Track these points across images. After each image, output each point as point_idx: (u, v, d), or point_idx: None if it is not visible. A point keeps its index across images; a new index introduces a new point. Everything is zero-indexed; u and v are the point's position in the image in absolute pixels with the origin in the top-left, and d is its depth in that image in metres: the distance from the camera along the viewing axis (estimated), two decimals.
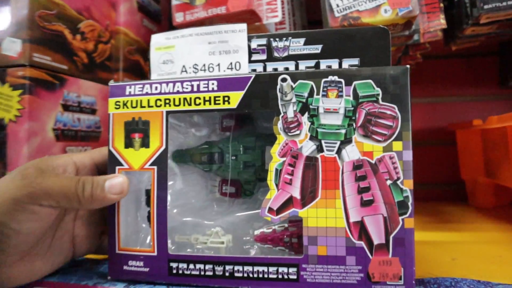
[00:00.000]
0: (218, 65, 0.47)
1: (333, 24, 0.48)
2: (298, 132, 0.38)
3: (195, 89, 0.40)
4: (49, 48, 0.53)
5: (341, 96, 0.37)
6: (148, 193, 0.44)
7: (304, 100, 0.38)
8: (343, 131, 0.37)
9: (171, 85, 0.41)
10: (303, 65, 0.45)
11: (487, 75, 0.87)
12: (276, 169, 0.38)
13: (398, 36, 0.50)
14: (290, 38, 0.46)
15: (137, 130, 0.41)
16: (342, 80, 0.37)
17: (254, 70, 0.46)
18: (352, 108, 0.37)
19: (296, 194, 0.38)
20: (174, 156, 0.45)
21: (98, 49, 0.63)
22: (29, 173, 0.36)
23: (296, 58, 0.46)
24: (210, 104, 0.39)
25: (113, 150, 0.41)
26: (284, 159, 0.38)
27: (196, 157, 0.43)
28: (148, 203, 0.44)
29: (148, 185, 0.44)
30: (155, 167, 0.40)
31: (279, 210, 0.38)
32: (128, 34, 0.68)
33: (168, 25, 0.66)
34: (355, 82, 0.37)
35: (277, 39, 0.46)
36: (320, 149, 0.37)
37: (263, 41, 0.46)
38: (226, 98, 0.39)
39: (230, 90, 0.39)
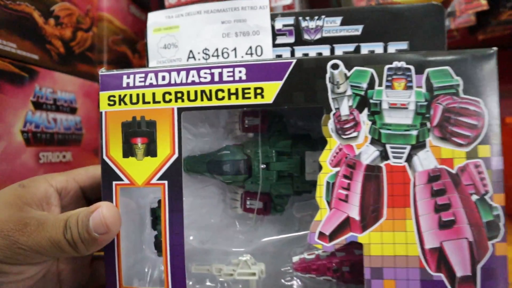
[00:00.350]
0: (234, 49, 0.37)
1: (357, 3, 0.39)
2: (355, 134, 0.29)
3: (216, 78, 0.30)
4: (14, 32, 0.42)
5: (411, 87, 0.29)
6: (154, 212, 0.34)
7: (362, 93, 0.29)
8: (414, 132, 0.29)
9: (183, 73, 0.31)
10: (339, 49, 0.37)
11: None
12: (328, 183, 0.29)
13: None
14: (323, 16, 0.37)
15: (139, 133, 0.31)
16: (412, 67, 0.29)
17: (279, 56, 0.37)
18: (426, 103, 0.29)
19: (355, 214, 0.29)
20: (184, 164, 0.35)
21: (77, 37, 0.51)
22: (9, 229, 0.27)
23: (331, 41, 0.37)
24: (237, 98, 0.30)
25: (108, 160, 0.31)
26: (337, 169, 0.29)
27: (215, 166, 0.34)
28: (154, 225, 0.34)
29: (153, 202, 0.35)
30: (166, 182, 0.31)
31: (333, 236, 0.29)
32: (113, 21, 0.56)
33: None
34: (428, 70, 0.29)
35: (307, 18, 0.37)
36: (384, 156, 0.29)
37: (290, 20, 0.37)
38: (258, 91, 0.30)
39: (264, 80, 0.30)
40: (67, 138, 0.48)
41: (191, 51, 0.38)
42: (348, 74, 0.29)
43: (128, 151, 0.31)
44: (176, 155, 0.31)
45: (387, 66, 0.29)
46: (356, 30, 0.37)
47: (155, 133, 0.31)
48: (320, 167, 0.30)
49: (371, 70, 0.29)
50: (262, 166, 0.33)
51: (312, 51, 0.37)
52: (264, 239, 0.34)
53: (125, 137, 0.31)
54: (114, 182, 0.31)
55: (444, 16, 0.36)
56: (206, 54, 0.38)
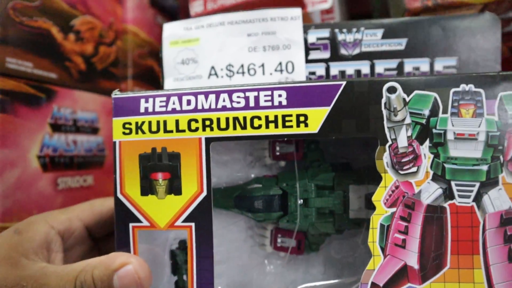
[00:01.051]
0: (262, 65, 0.33)
1: (411, 4, 0.35)
2: (414, 169, 0.25)
3: (251, 103, 0.26)
4: (31, 51, 0.37)
5: (481, 114, 0.25)
6: (174, 256, 0.30)
7: (423, 121, 0.25)
8: (485, 167, 0.25)
9: (212, 97, 0.26)
10: (381, 66, 0.33)
11: None
12: (382, 225, 0.25)
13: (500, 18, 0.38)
14: (362, 29, 0.33)
15: (160, 167, 0.27)
16: (481, 91, 0.25)
17: (312, 73, 0.33)
18: (498, 133, 0.25)
19: (413, 262, 0.25)
20: None
21: (99, 52, 0.46)
22: None
23: (372, 56, 0.33)
24: (276, 127, 0.26)
25: (123, 199, 0.27)
26: (393, 209, 0.25)
27: (245, 202, 0.30)
28: (174, 270, 0.30)
29: (173, 243, 0.30)
30: (193, 224, 0.26)
31: (388, 286, 0.25)
32: (138, 34, 0.51)
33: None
34: (501, 94, 0.25)
35: (344, 30, 0.33)
36: (448, 194, 0.25)
37: (325, 32, 0.33)
38: (301, 118, 0.26)
39: (308, 106, 0.26)
40: (88, 160, 0.43)
41: (213, 67, 0.34)
42: (407, 99, 0.25)
43: (148, 188, 0.27)
44: (204, 193, 0.26)
45: (453, 90, 0.25)
46: (400, 44, 0.33)
47: (179, 167, 0.26)
48: (368, 204, 0.26)
49: (434, 94, 0.25)
50: (300, 201, 0.29)
51: (350, 68, 0.33)
52: (302, 287, 0.30)
53: (143, 171, 0.27)
54: (130, 224, 0.27)
55: (499, 28, 0.32)
56: (230, 70, 0.33)
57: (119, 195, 0.27)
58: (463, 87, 0.25)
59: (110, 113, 0.47)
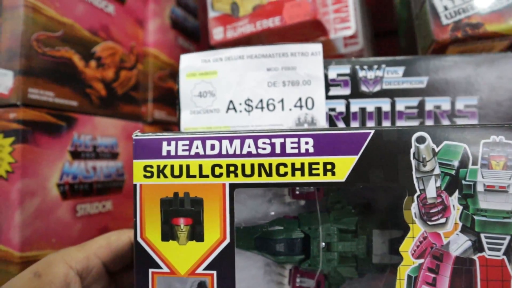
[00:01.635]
0: (281, 101, 0.33)
1: (439, 35, 0.35)
2: (443, 220, 0.25)
3: (277, 150, 0.26)
4: (52, 80, 0.37)
5: None
6: None
7: (453, 172, 0.25)
8: None
9: (237, 142, 0.26)
10: (402, 103, 0.33)
11: None
12: (409, 277, 0.25)
13: None
14: (383, 66, 0.32)
15: (182, 213, 0.26)
16: None
17: (332, 110, 0.33)
18: None
19: None
20: None
21: (120, 77, 0.45)
22: None
23: (393, 94, 0.33)
24: (302, 175, 0.25)
25: (143, 243, 0.26)
26: (421, 261, 0.25)
27: (266, 244, 0.29)
28: None
29: (193, 285, 0.30)
30: (215, 273, 0.26)
31: None
32: (159, 56, 0.51)
33: (208, 44, 0.50)
34: None
35: (365, 67, 0.32)
36: (478, 247, 0.24)
37: (346, 69, 0.33)
38: (328, 166, 0.25)
39: (336, 154, 0.25)
40: (107, 186, 0.43)
41: (231, 101, 0.33)
42: (437, 149, 0.25)
43: (168, 234, 0.26)
44: (227, 241, 0.26)
45: (483, 141, 0.25)
46: (421, 82, 0.33)
47: (202, 213, 0.26)
48: (391, 250, 0.25)
49: (464, 145, 0.25)
50: (322, 245, 0.29)
51: (370, 105, 0.33)
52: None
53: (164, 216, 0.26)
54: (150, 270, 0.26)
55: None
56: (248, 105, 0.33)
57: (139, 239, 0.27)
58: (493, 138, 0.25)
59: (129, 137, 0.47)
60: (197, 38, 0.61)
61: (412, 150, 0.25)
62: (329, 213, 0.29)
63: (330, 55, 0.43)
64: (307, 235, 0.29)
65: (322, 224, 0.29)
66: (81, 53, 0.40)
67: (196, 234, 0.26)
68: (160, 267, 0.26)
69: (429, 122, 0.33)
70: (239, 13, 0.39)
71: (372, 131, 0.25)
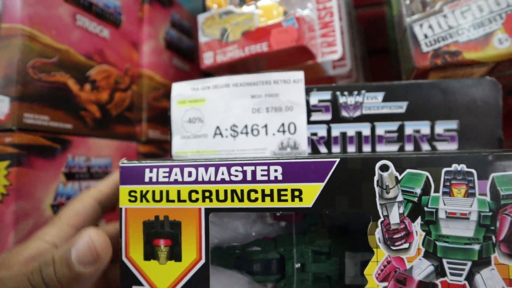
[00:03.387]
0: (265, 126, 0.36)
1: (420, 63, 0.37)
2: (406, 245, 0.27)
3: (249, 177, 0.29)
4: (47, 105, 0.41)
5: (473, 194, 0.27)
6: None
7: (415, 199, 0.27)
8: (477, 247, 0.27)
9: (212, 170, 0.30)
10: (382, 128, 0.35)
11: None
12: None
13: (510, 74, 0.40)
14: (363, 92, 0.35)
15: (162, 234, 0.30)
16: (474, 171, 0.27)
17: (314, 134, 0.36)
18: (490, 214, 0.26)
19: None
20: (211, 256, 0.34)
21: (114, 98, 0.50)
22: None
23: (372, 119, 0.35)
24: (272, 200, 0.28)
25: (128, 262, 0.30)
26: (385, 284, 0.27)
27: (245, 264, 0.33)
28: None
29: None
30: None
31: None
32: (154, 77, 0.55)
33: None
34: (493, 175, 0.27)
35: (345, 93, 0.35)
36: (440, 272, 0.27)
37: (327, 95, 0.36)
38: (296, 193, 0.28)
39: (303, 181, 0.28)
40: None
41: (218, 127, 0.37)
42: (400, 177, 0.27)
43: (150, 254, 0.30)
44: (203, 261, 0.29)
45: (444, 170, 0.27)
46: (400, 107, 0.35)
47: (180, 235, 0.30)
48: (363, 271, 0.28)
49: (426, 173, 0.27)
50: (297, 266, 0.32)
51: (351, 129, 0.36)
52: None
53: (147, 238, 0.30)
54: (133, 287, 0.30)
55: (500, 93, 0.34)
56: (234, 131, 0.36)
57: (124, 258, 0.30)
58: (455, 166, 0.27)
59: (123, 157, 0.51)
60: (191, 57, 0.66)
61: (376, 178, 0.28)
62: (305, 235, 0.32)
63: (319, 77, 0.46)
64: (282, 256, 0.32)
65: (298, 246, 0.32)
66: (76, 77, 0.45)
67: (175, 255, 0.30)
68: (142, 285, 0.30)
69: (409, 146, 0.35)
70: (229, 39, 0.42)
71: (338, 160, 0.28)
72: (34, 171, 0.40)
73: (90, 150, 0.46)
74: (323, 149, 0.36)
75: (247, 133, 0.36)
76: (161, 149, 0.58)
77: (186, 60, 0.65)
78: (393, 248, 0.27)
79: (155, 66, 0.56)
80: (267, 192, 0.29)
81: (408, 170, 0.27)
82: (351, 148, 0.36)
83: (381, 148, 0.35)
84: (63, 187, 0.43)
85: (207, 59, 0.44)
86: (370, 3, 0.69)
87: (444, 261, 0.27)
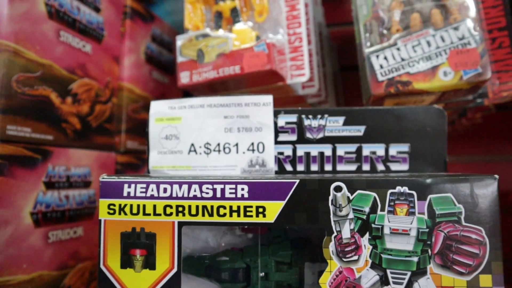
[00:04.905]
0: (236, 145, 0.40)
1: (375, 90, 0.42)
2: (355, 257, 0.31)
3: (218, 194, 0.33)
4: (30, 117, 0.44)
5: (413, 213, 0.31)
6: None
7: (364, 217, 0.32)
8: (415, 259, 0.31)
9: (185, 187, 0.33)
10: (342, 149, 0.39)
11: None
12: None
13: (457, 101, 0.45)
14: (326, 116, 0.39)
15: (138, 245, 0.33)
16: (414, 193, 0.31)
17: (281, 153, 0.40)
18: (427, 230, 0.31)
19: None
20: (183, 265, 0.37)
21: (94, 110, 0.53)
22: None
23: (334, 140, 0.40)
24: (238, 216, 0.32)
25: (105, 270, 0.33)
26: None
27: (214, 272, 0.36)
28: None
29: None
30: None
31: None
32: (133, 90, 0.58)
33: None
34: (430, 196, 0.31)
35: (310, 116, 0.39)
36: (384, 281, 0.31)
37: (293, 118, 0.40)
38: (260, 209, 0.32)
39: (267, 199, 0.32)
40: (79, 213, 0.50)
41: (192, 144, 0.40)
42: (351, 197, 0.32)
43: (127, 262, 0.33)
44: (175, 270, 0.33)
45: (390, 191, 0.31)
46: (359, 130, 0.39)
47: (155, 246, 0.33)
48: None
49: (374, 194, 0.32)
50: (261, 274, 0.35)
51: (314, 150, 0.40)
52: None
53: (124, 247, 0.33)
54: None
55: (446, 120, 0.39)
56: (207, 148, 0.40)
57: (102, 266, 0.33)
58: (398, 189, 0.31)
59: (102, 167, 0.54)
60: (171, 70, 0.69)
61: (331, 197, 0.32)
62: (269, 247, 0.36)
63: (290, 96, 0.50)
64: (248, 266, 0.36)
65: (262, 257, 0.36)
66: (58, 90, 0.47)
67: (149, 263, 0.33)
68: None
69: (366, 166, 0.40)
70: (204, 60, 0.46)
71: (297, 181, 0.32)
72: (15, 180, 0.43)
73: (70, 160, 0.49)
74: (288, 167, 0.40)
75: (219, 150, 0.40)
76: (138, 159, 0.61)
77: (166, 73, 0.68)
78: (345, 259, 0.31)
79: (135, 79, 0.59)
80: (235, 208, 0.32)
81: (358, 191, 0.32)
82: (314, 167, 0.40)
83: (341, 167, 0.40)
84: (43, 195, 0.45)
85: (184, 78, 0.47)
86: (343, 22, 0.74)
87: (388, 271, 0.31)
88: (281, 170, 0.40)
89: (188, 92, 0.52)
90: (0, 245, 0.41)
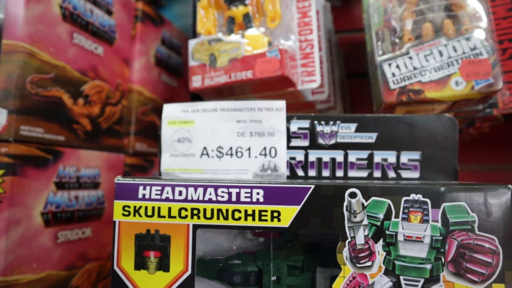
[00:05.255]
0: (249, 149, 0.40)
1: (387, 98, 0.42)
2: (369, 263, 0.32)
3: (233, 198, 0.33)
4: (42, 118, 0.44)
5: (427, 221, 0.31)
6: None
7: (378, 223, 0.32)
8: (429, 266, 0.31)
9: (201, 190, 0.33)
10: (353, 156, 0.40)
11: None
12: None
13: (467, 110, 0.45)
14: (338, 122, 0.40)
15: (153, 247, 0.33)
16: (428, 201, 0.32)
17: (293, 158, 0.40)
18: (441, 238, 0.31)
19: None
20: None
21: (105, 112, 0.53)
22: None
23: (346, 147, 0.40)
24: (253, 220, 0.32)
25: (119, 271, 0.33)
26: None
27: (226, 275, 0.36)
28: None
29: None
30: None
31: None
32: (143, 92, 0.59)
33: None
34: (444, 204, 0.31)
35: (322, 122, 0.40)
36: (397, 287, 0.31)
37: (306, 123, 0.40)
38: (275, 214, 0.32)
39: (282, 204, 0.32)
40: (88, 214, 0.50)
41: (205, 147, 0.41)
42: (366, 203, 0.32)
43: (140, 264, 0.33)
44: (189, 272, 0.33)
45: (404, 198, 0.32)
46: (370, 137, 0.40)
47: (169, 248, 0.33)
48: (331, 286, 0.32)
49: (388, 201, 0.32)
50: (273, 278, 0.36)
51: (326, 156, 0.40)
52: None
53: (138, 249, 0.33)
54: None
55: (457, 129, 0.39)
56: (220, 152, 0.40)
57: (115, 268, 0.34)
58: (413, 196, 0.32)
59: (111, 168, 0.54)
60: (180, 73, 0.69)
61: (345, 203, 0.32)
62: (281, 251, 0.37)
63: (299, 102, 0.50)
64: (260, 269, 0.36)
65: (274, 260, 0.36)
66: (70, 92, 0.48)
67: (163, 265, 0.33)
68: None
69: (377, 173, 0.40)
70: (216, 64, 0.46)
71: (313, 186, 0.32)
72: (27, 180, 0.43)
73: (80, 161, 0.49)
74: (300, 172, 0.40)
75: (231, 154, 0.40)
76: (147, 161, 0.61)
77: (174, 76, 0.68)
78: (358, 265, 0.32)
79: (145, 82, 0.60)
80: (250, 212, 0.33)
81: (373, 198, 0.32)
82: (326, 173, 0.40)
83: (352, 173, 0.40)
84: (53, 195, 0.46)
85: (196, 82, 0.48)
86: (351, 29, 0.75)
87: (401, 278, 0.31)
88: (292, 175, 0.40)
89: (196, 95, 0.53)
90: (11, 245, 0.41)
